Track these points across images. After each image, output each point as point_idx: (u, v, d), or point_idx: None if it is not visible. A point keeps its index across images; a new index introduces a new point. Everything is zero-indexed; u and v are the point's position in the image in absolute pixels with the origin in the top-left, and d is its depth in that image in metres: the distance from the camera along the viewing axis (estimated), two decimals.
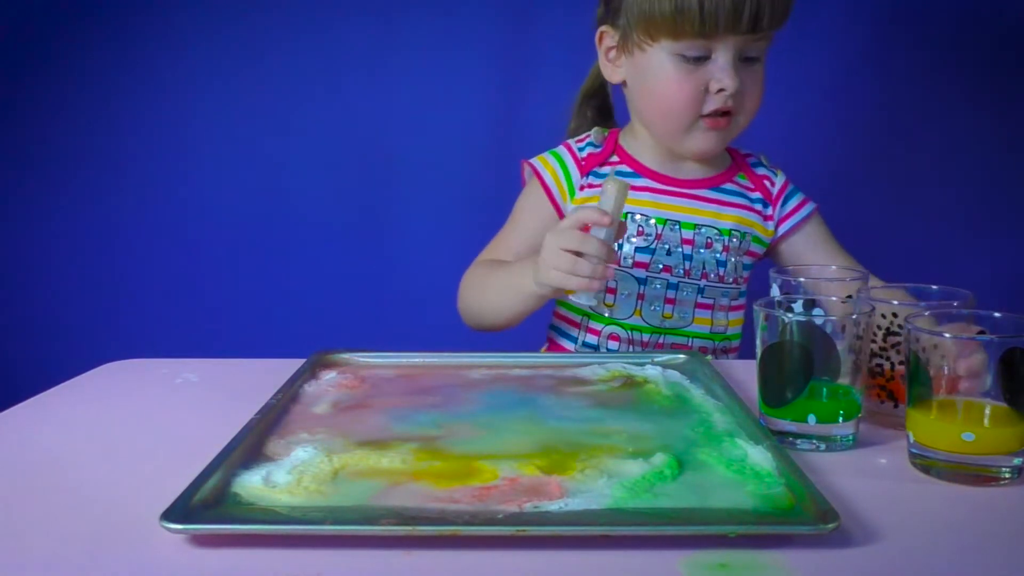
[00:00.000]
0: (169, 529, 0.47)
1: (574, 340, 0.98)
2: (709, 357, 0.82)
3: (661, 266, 0.94)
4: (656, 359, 0.82)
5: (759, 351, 0.64)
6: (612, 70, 0.95)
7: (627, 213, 0.94)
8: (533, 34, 1.36)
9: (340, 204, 1.42)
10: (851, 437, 0.63)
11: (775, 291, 0.75)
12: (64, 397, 0.77)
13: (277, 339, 1.43)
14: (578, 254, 0.78)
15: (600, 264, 0.78)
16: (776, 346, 0.62)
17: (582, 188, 0.97)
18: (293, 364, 0.80)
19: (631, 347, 0.95)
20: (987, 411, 0.56)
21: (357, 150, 1.39)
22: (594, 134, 1.00)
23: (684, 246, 0.94)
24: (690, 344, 0.95)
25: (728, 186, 0.97)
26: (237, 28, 1.38)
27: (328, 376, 0.77)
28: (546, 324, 1.03)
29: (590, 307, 0.79)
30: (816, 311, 0.66)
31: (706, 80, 0.88)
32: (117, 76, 1.40)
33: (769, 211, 0.97)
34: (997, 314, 0.59)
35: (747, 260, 0.98)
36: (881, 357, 0.68)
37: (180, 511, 0.49)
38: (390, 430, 0.63)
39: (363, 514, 0.49)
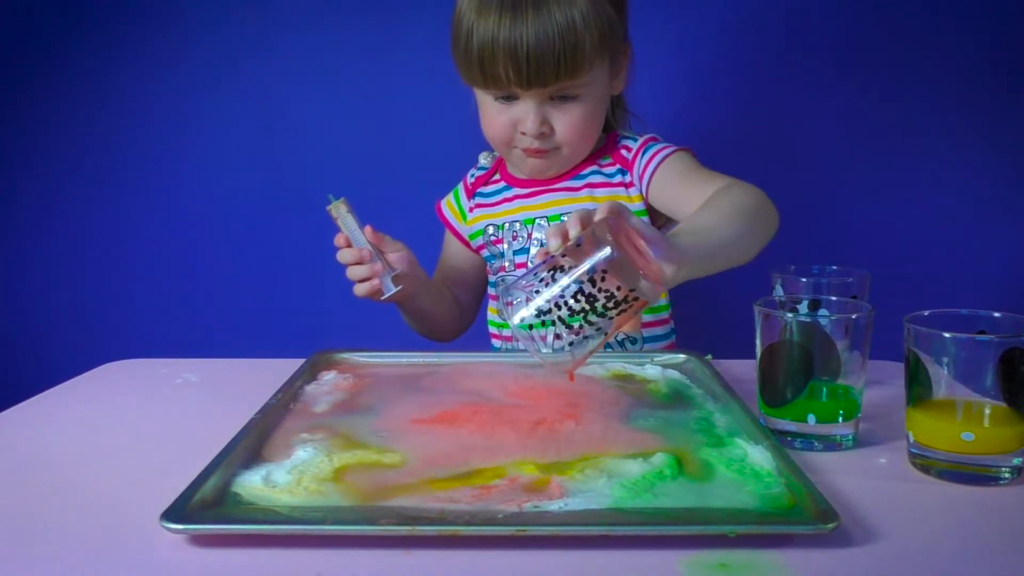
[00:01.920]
0: (169, 529, 0.47)
1: (498, 351, 1.02)
2: (709, 356, 0.82)
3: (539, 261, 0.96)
4: (656, 359, 0.82)
5: (759, 351, 0.64)
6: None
7: (503, 224, 1.00)
8: None
9: None
10: (851, 437, 0.63)
11: (778, 291, 0.75)
12: (64, 397, 0.78)
13: (277, 339, 1.43)
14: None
15: (366, 267, 0.87)
16: (776, 346, 0.62)
17: (471, 209, 1.04)
18: (293, 364, 0.80)
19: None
20: (987, 411, 0.56)
21: (358, 149, 1.39)
22: (482, 158, 1.08)
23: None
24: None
25: (587, 171, 0.99)
26: (237, 29, 1.38)
27: (328, 376, 0.77)
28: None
29: (392, 293, 0.88)
30: (821, 312, 0.66)
31: (515, 119, 0.92)
32: (115, 75, 1.40)
33: (628, 178, 0.98)
34: (997, 314, 0.60)
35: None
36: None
37: (180, 511, 0.49)
38: (390, 430, 0.63)
39: (363, 514, 0.49)
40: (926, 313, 0.61)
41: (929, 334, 0.57)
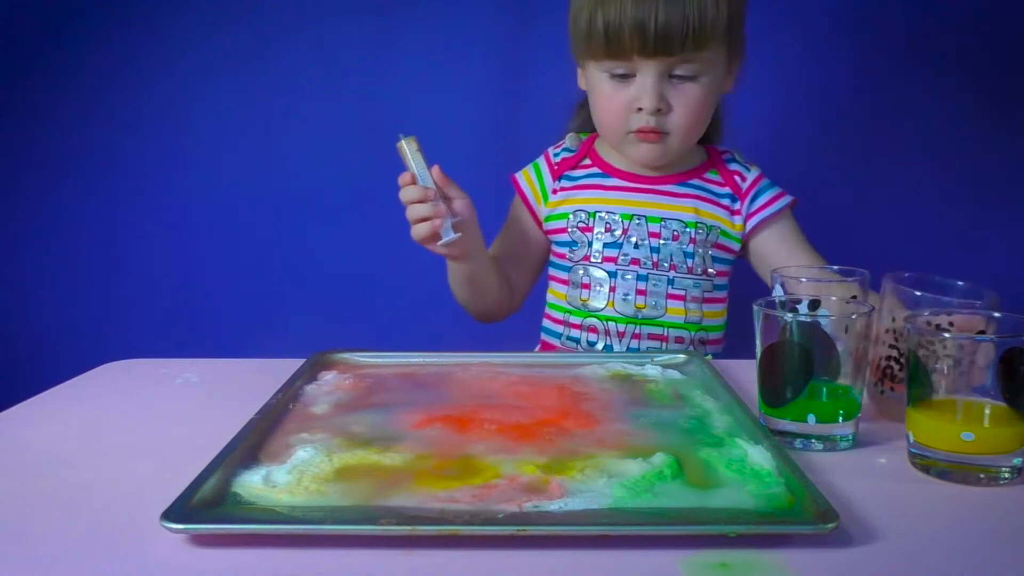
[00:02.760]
0: (169, 529, 0.47)
1: (559, 336, 1.01)
2: (709, 356, 0.82)
3: (629, 259, 0.98)
4: (656, 359, 0.82)
5: (759, 351, 0.64)
6: (580, 79, 1.01)
7: (594, 212, 0.99)
8: (535, 32, 1.36)
9: (341, 204, 1.42)
10: (851, 437, 0.63)
11: (778, 291, 0.75)
12: (64, 397, 0.78)
13: (277, 339, 1.42)
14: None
15: (429, 205, 0.86)
16: (776, 346, 0.62)
17: (555, 192, 1.03)
18: (293, 364, 0.80)
19: (608, 338, 0.98)
20: (987, 411, 0.56)
21: (358, 149, 1.39)
22: (568, 140, 1.06)
23: (651, 239, 0.98)
24: (666, 334, 0.98)
25: (696, 182, 1.00)
26: (236, 26, 1.38)
27: (328, 376, 0.77)
28: (538, 326, 1.06)
29: (449, 242, 0.87)
30: (821, 311, 0.66)
31: (632, 97, 0.92)
32: (111, 76, 1.39)
33: (737, 206, 1.00)
34: (997, 314, 0.60)
35: (718, 253, 1.00)
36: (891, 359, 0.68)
37: (180, 511, 0.49)
38: (390, 430, 0.63)
39: (363, 514, 0.49)
40: (926, 313, 0.61)
41: (929, 333, 0.57)
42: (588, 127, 1.04)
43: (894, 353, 0.68)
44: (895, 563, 0.46)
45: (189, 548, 0.48)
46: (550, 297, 1.04)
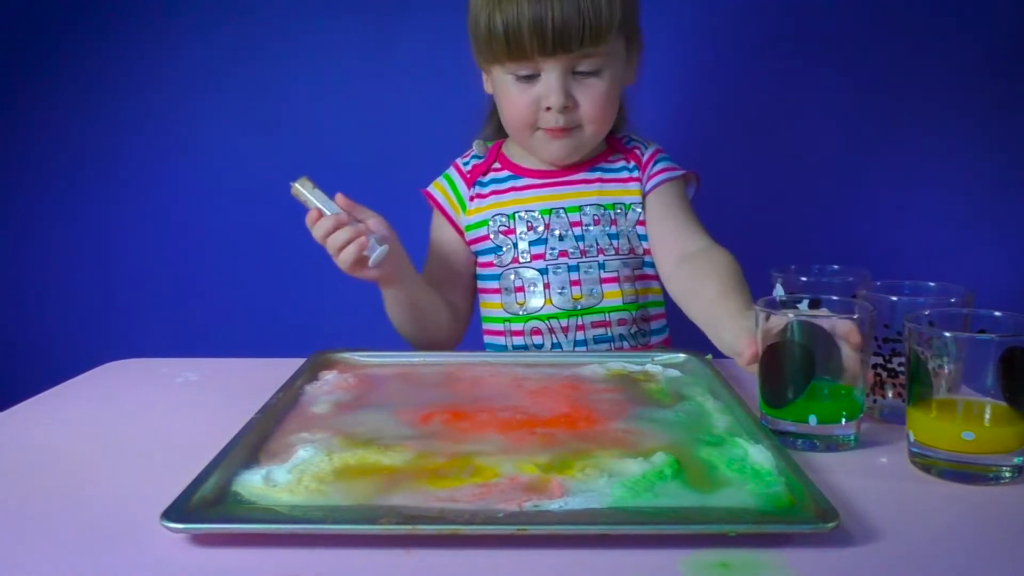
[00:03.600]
0: (169, 528, 0.47)
1: (503, 349, 1.01)
2: (709, 356, 0.82)
3: (557, 252, 0.99)
4: (656, 358, 0.82)
5: (760, 351, 0.64)
6: (486, 83, 1.02)
7: (513, 214, 1.00)
8: None
9: None
10: (853, 438, 0.63)
11: (779, 290, 0.75)
12: (64, 397, 0.78)
13: (277, 339, 1.43)
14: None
15: (347, 229, 0.85)
16: (776, 346, 0.62)
17: (471, 199, 1.03)
18: (293, 364, 0.80)
19: (553, 335, 0.98)
20: (987, 410, 0.56)
21: (356, 148, 1.39)
22: (476, 147, 1.06)
23: (574, 228, 0.99)
24: (607, 319, 0.98)
25: (602, 165, 1.01)
26: (235, 27, 1.38)
27: (328, 376, 0.77)
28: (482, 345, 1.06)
29: (380, 257, 0.86)
30: (822, 311, 0.66)
31: (539, 96, 0.92)
32: (113, 76, 1.40)
33: (638, 174, 1.01)
34: (997, 313, 0.59)
35: (641, 230, 1.00)
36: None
37: (180, 510, 0.49)
38: (390, 429, 0.63)
39: (363, 513, 0.50)
40: (927, 312, 0.61)
41: (929, 333, 0.57)
42: (502, 133, 1.04)
43: (880, 360, 0.68)
44: (896, 562, 0.46)
45: (189, 548, 0.48)
46: (485, 311, 1.04)
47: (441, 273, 1.04)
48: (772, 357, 0.63)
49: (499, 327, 1.02)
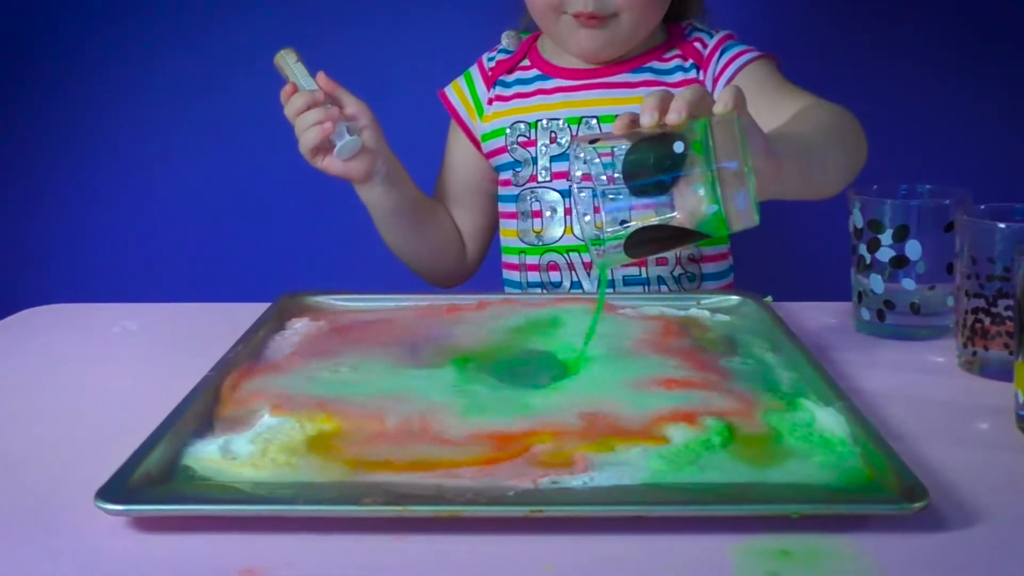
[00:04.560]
0: (106, 510, 0.48)
1: (518, 285, 1.02)
2: (769, 298, 0.82)
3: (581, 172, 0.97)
4: (703, 301, 0.81)
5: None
6: None
7: (535, 122, 0.99)
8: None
9: None
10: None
11: (856, 217, 0.74)
12: None
13: (235, 279, 1.43)
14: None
15: (318, 110, 0.88)
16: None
17: (490, 102, 1.03)
18: (255, 309, 0.80)
19: (573, 273, 0.98)
20: None
21: (357, 34, 1.39)
22: (505, 39, 1.05)
23: None
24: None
25: (653, 64, 0.99)
26: None
27: (298, 324, 0.77)
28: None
29: (348, 149, 0.89)
30: (911, 242, 0.65)
31: None
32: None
33: (694, 74, 0.98)
34: None
35: None
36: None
37: (119, 488, 0.49)
38: (374, 388, 0.63)
39: (343, 491, 0.50)
40: None
41: None
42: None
43: (981, 303, 0.67)
44: (997, 551, 0.46)
45: (131, 533, 0.48)
46: (503, 240, 1.04)
47: (451, 190, 1.04)
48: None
49: (514, 259, 1.02)
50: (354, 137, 0.88)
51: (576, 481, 0.50)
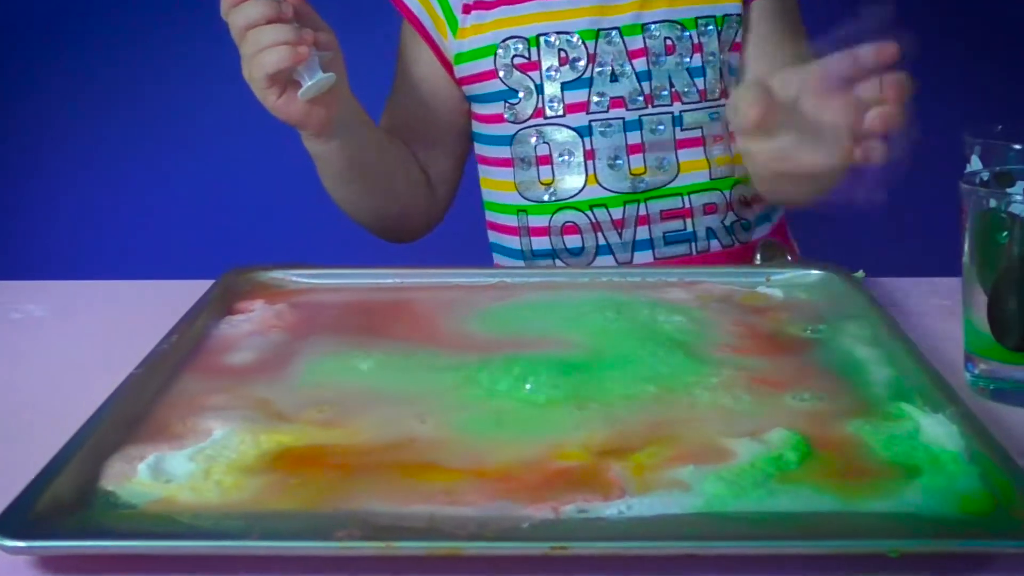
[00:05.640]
0: (4, 548, 0.48)
1: (518, 254, 1.02)
2: (860, 273, 0.82)
3: (607, 99, 0.98)
4: (773, 276, 0.81)
5: (966, 255, 0.64)
6: None
7: (536, 37, 0.98)
8: None
9: None
10: None
11: (975, 163, 0.74)
12: None
13: (169, 251, 1.43)
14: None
15: (283, 27, 0.84)
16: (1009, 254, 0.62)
17: (467, 9, 1.00)
18: (196, 288, 0.80)
19: (599, 234, 0.98)
20: None
21: None
22: None
23: (633, 60, 0.98)
24: (687, 206, 0.98)
25: None
26: None
27: (251, 308, 0.78)
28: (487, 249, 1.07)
29: (319, 87, 0.85)
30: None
31: None
32: None
33: None
34: None
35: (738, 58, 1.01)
36: None
37: (20, 519, 0.49)
38: (348, 391, 0.64)
39: (309, 523, 0.50)
40: None
41: None
42: None
43: None
44: None
45: (36, 574, 0.48)
46: (488, 194, 1.04)
47: (412, 123, 1.04)
48: (1007, 272, 0.63)
49: (510, 220, 1.01)
50: (329, 75, 0.85)
51: (610, 509, 0.51)
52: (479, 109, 1.02)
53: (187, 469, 0.55)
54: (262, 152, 1.42)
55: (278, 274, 0.83)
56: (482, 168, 1.04)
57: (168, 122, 1.46)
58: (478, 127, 1.03)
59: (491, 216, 1.04)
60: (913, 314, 0.76)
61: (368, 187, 0.98)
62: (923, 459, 0.55)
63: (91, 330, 0.79)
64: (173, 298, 0.78)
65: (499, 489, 0.52)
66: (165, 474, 0.54)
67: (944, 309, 0.79)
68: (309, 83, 0.85)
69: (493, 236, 1.05)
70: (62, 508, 0.51)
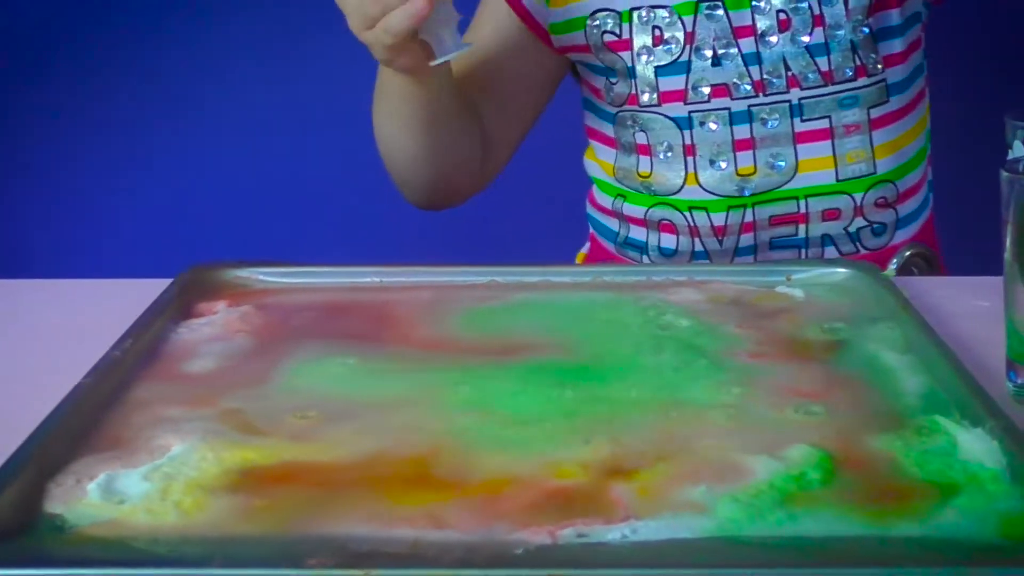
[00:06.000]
0: None
1: (613, 236, 1.02)
2: (891, 270, 0.82)
3: (709, 87, 0.96)
4: (795, 276, 0.81)
5: (1011, 253, 0.64)
6: None
7: (629, 11, 0.96)
8: None
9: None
10: None
11: (1018, 148, 0.74)
12: None
13: (122, 247, 1.44)
14: None
15: None
16: None
17: None
18: (153, 288, 0.79)
19: (697, 239, 0.98)
20: None
21: None
22: None
23: (740, 40, 0.96)
24: (804, 211, 0.96)
25: None
26: None
27: (212, 310, 0.78)
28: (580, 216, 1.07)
29: (456, 56, 0.85)
30: None
31: None
32: None
33: None
34: None
35: (884, 21, 0.97)
36: None
37: None
38: (321, 401, 0.64)
39: (278, 549, 0.50)
40: None
41: None
42: None
43: None
44: None
45: None
46: (591, 167, 1.04)
47: (485, 71, 1.01)
48: None
49: (608, 201, 1.01)
50: (469, 45, 0.85)
51: (613, 534, 0.50)
52: (588, 78, 1.02)
53: (142, 489, 0.54)
54: (231, 142, 1.44)
55: (243, 272, 0.83)
56: (591, 142, 1.04)
57: (126, 109, 1.48)
58: (587, 95, 1.03)
59: (594, 189, 1.04)
60: (949, 317, 0.76)
61: (436, 137, 0.97)
62: (960, 478, 0.55)
63: (36, 334, 0.78)
64: (128, 299, 0.77)
65: (489, 511, 0.52)
66: (117, 494, 0.54)
67: (984, 311, 0.79)
68: (452, 54, 0.84)
69: (591, 211, 1.05)
70: (2, 532, 0.51)
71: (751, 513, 0.52)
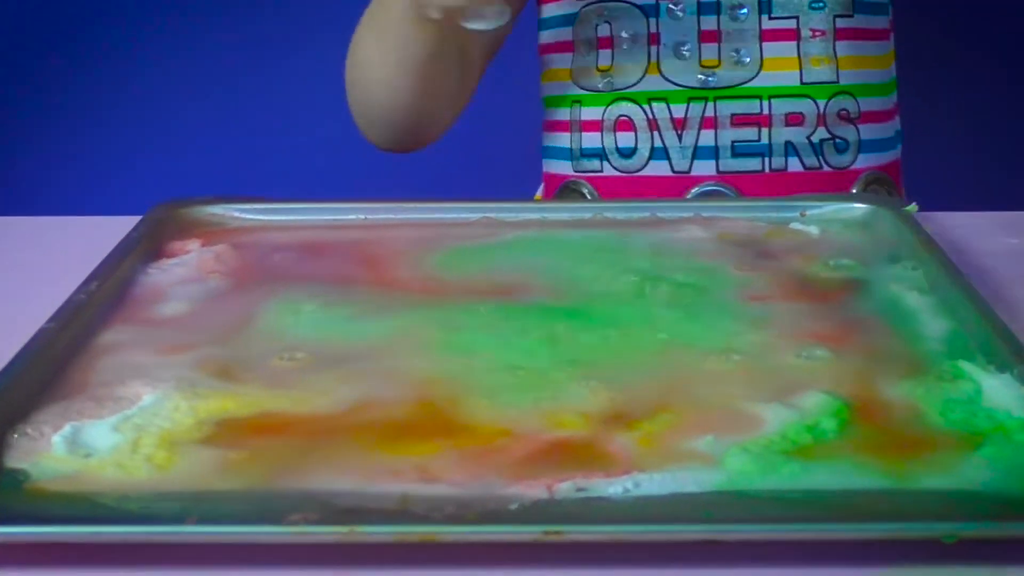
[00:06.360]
0: None
1: (567, 153, 1.03)
2: (913, 206, 0.82)
3: None
4: (810, 211, 0.81)
5: None
6: None
7: None
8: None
9: None
10: None
11: None
12: None
13: (90, 184, 1.43)
14: None
15: None
16: None
17: None
18: (121, 226, 0.80)
19: (655, 133, 0.99)
20: None
21: None
22: None
23: None
24: (766, 111, 0.98)
25: None
26: None
27: (185, 250, 0.78)
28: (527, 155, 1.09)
29: (493, 25, 0.86)
30: None
31: None
32: None
33: None
34: None
35: None
36: None
37: None
38: (302, 346, 0.64)
39: (258, 504, 0.50)
40: None
41: None
42: None
43: None
44: None
45: None
46: (545, 88, 1.05)
47: None
48: None
49: (563, 115, 1.03)
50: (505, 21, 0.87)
51: (614, 487, 0.51)
52: None
53: (111, 441, 0.55)
54: (207, 67, 1.43)
55: (217, 209, 0.83)
56: (543, 60, 1.06)
57: (92, 30, 1.47)
58: (543, 11, 1.05)
59: (546, 114, 1.06)
60: (976, 255, 0.76)
61: (432, 75, 0.98)
62: (986, 427, 0.55)
63: None
64: (93, 238, 0.77)
65: (482, 464, 0.53)
66: (84, 447, 0.54)
67: (1013, 249, 0.79)
68: (494, 24, 0.86)
69: (546, 139, 1.06)
70: None
71: (762, 465, 0.52)
